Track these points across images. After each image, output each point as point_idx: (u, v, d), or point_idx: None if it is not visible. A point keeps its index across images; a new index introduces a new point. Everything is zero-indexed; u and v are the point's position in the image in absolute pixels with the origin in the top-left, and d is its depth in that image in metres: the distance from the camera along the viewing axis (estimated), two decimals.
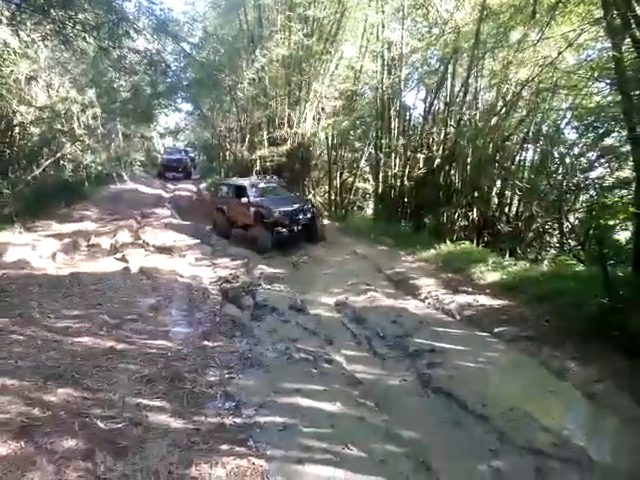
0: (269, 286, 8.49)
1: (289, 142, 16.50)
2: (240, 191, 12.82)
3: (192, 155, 33.80)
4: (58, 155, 16.01)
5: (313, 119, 16.78)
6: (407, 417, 4.50)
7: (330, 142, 18.00)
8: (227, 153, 23.55)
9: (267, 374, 4.82)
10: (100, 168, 18.96)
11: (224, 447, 3.45)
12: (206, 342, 5.54)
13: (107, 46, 10.64)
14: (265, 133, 17.51)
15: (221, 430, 3.70)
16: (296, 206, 12.16)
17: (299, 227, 12.32)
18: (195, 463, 3.21)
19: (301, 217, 12.13)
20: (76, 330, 5.54)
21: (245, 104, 18.99)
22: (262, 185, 13.37)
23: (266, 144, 17.18)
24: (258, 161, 17.49)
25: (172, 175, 28.36)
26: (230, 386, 4.43)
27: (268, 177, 14.95)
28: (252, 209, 12.16)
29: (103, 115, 16.16)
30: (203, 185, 25.76)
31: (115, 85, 18.48)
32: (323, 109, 16.61)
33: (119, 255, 10.56)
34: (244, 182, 13.48)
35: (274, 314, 6.98)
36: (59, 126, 14.52)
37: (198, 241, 12.62)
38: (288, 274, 9.79)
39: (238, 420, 3.86)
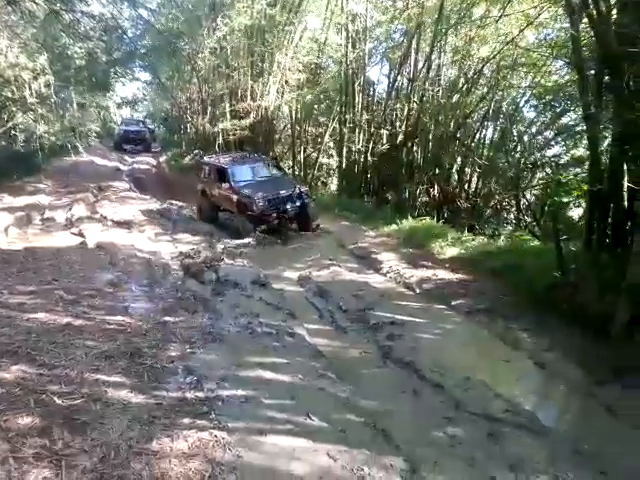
0: (232, 261, 8.43)
1: (252, 115, 16.18)
2: (222, 174, 11.45)
3: (151, 127, 32.83)
4: (9, 125, 15.30)
5: (277, 92, 16.50)
6: (367, 388, 4.62)
7: (294, 116, 17.79)
8: (188, 125, 22.98)
9: (229, 348, 4.81)
10: (54, 139, 18.14)
11: (186, 421, 3.44)
12: (167, 317, 5.46)
13: (58, 9, 10.12)
14: (227, 105, 17.14)
15: (182, 404, 3.68)
16: (284, 193, 10.80)
17: (288, 216, 10.91)
18: (156, 437, 3.20)
19: (289, 206, 10.74)
20: (31, 306, 5.36)
21: (206, 74, 18.51)
22: (247, 166, 11.77)
23: (228, 117, 16.84)
24: (220, 134, 17.14)
25: (130, 147, 27.46)
26: (191, 361, 4.41)
27: (254, 155, 13.21)
28: (235, 197, 10.92)
29: (56, 83, 15.46)
30: (163, 158, 25.07)
31: (69, 51, 17.66)
32: (287, 82, 16.33)
33: (75, 229, 10.21)
34: (226, 163, 11.84)
35: (237, 289, 6.95)
36: (9, 94, 13.81)
37: (158, 216, 12.35)
38: (251, 249, 9.73)
39: (200, 394, 3.85)
